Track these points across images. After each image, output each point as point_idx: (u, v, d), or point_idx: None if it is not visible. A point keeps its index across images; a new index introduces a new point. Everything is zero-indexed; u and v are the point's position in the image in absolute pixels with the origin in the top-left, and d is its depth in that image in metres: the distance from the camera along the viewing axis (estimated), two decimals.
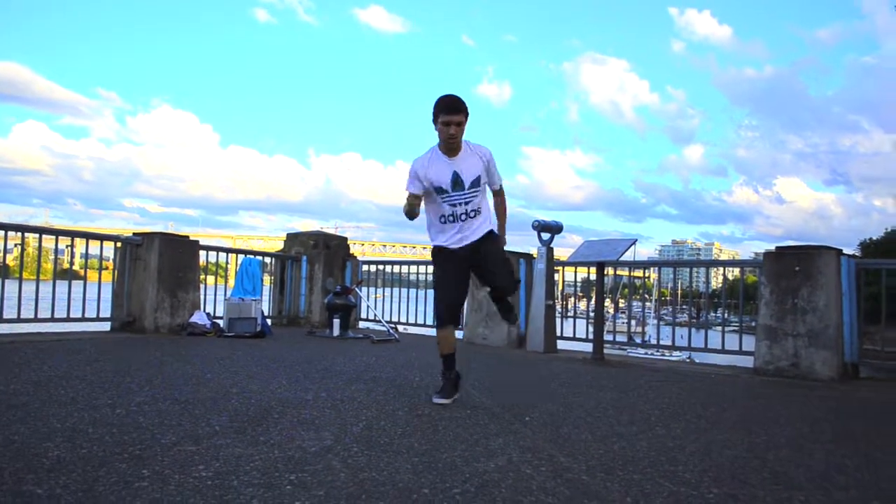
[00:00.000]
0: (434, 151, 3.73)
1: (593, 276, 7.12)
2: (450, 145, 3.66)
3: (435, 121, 3.65)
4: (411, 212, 3.69)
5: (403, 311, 9.35)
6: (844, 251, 5.89)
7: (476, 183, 3.72)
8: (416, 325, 9.10)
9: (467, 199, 3.71)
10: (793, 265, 5.72)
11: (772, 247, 6.09)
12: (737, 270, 7.77)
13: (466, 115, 3.67)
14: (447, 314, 3.88)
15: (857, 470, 2.65)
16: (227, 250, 9.01)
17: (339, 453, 2.53)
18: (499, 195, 4.02)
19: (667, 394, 4.48)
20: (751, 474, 2.50)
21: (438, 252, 3.85)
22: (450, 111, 3.60)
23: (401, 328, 8.77)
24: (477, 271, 3.92)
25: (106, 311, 7.14)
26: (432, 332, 8.78)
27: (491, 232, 3.87)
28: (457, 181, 3.67)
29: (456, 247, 3.77)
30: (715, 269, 9.22)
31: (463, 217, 3.73)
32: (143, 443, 2.53)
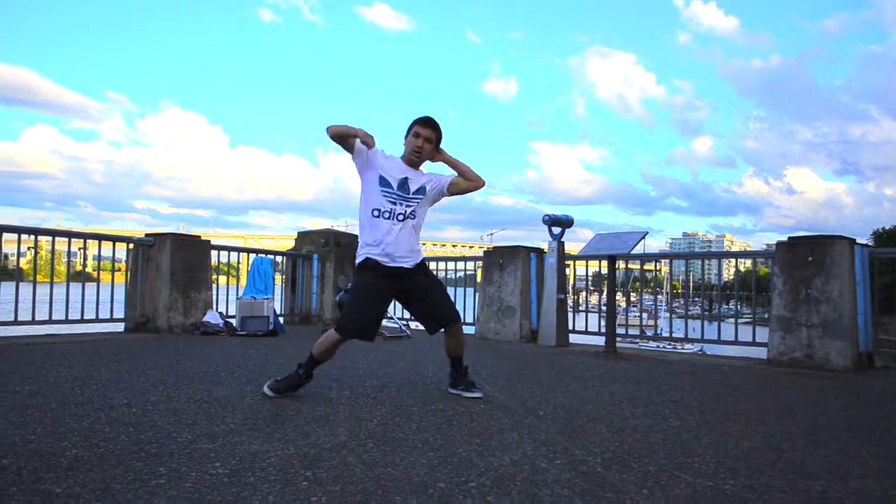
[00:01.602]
0: (395, 157, 3.77)
1: (604, 270, 7.10)
2: (412, 158, 3.71)
3: (408, 133, 3.72)
4: (345, 132, 3.61)
5: None
6: (857, 241, 5.84)
7: (421, 191, 3.69)
8: None
9: (408, 202, 3.65)
10: (806, 255, 5.68)
11: (784, 237, 6.05)
12: (749, 262, 7.72)
13: (438, 137, 3.73)
14: (357, 329, 3.65)
15: (874, 459, 2.64)
16: (239, 250, 9.05)
17: (354, 449, 2.53)
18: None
19: (680, 386, 4.47)
20: (767, 465, 2.49)
21: (366, 267, 3.65)
22: (424, 124, 3.69)
23: (412, 325, 8.77)
24: (416, 306, 3.82)
25: (119, 312, 7.19)
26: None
27: (423, 263, 3.78)
28: (403, 184, 3.66)
29: (386, 263, 3.61)
30: (727, 260, 9.17)
31: (400, 217, 3.62)
32: (160, 441, 2.55)
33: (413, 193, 3.67)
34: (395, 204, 3.62)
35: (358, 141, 3.61)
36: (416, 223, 3.70)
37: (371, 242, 3.63)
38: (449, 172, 3.86)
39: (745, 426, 3.19)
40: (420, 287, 3.75)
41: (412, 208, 3.66)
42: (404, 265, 3.65)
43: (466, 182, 3.81)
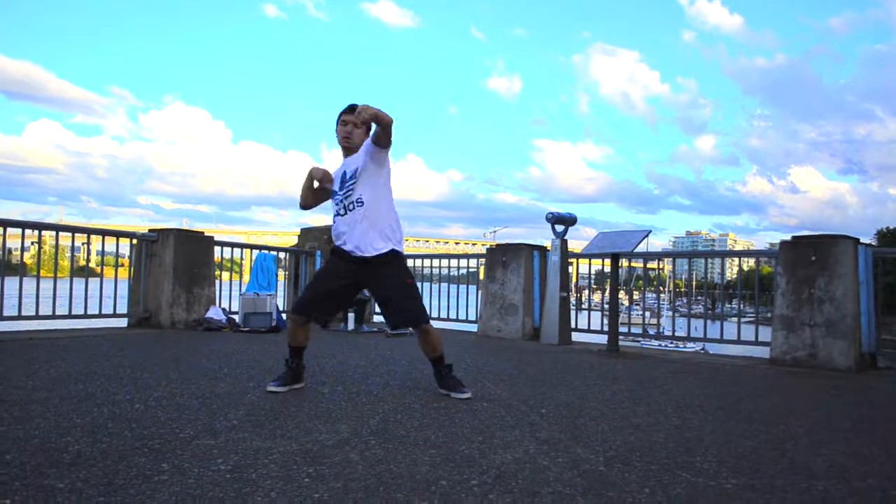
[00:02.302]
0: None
1: (607, 269, 7.10)
2: (344, 146, 3.76)
3: (336, 126, 3.76)
4: (305, 196, 3.86)
5: None
6: (861, 240, 5.83)
7: (354, 175, 3.65)
8: (430, 318, 9.08)
9: (347, 194, 3.64)
10: (809, 255, 5.67)
11: (787, 237, 6.05)
12: (752, 261, 7.71)
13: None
14: (306, 305, 3.74)
15: (877, 459, 2.63)
16: (242, 246, 9.06)
17: (357, 446, 2.54)
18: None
19: (683, 385, 4.47)
20: (769, 464, 2.48)
21: (332, 251, 3.78)
22: (348, 111, 3.69)
23: None
24: (381, 306, 3.84)
25: (122, 308, 7.21)
26: (447, 325, 8.82)
27: (392, 253, 3.66)
28: (343, 178, 3.68)
29: (348, 251, 3.63)
30: (730, 259, 9.16)
31: (343, 211, 3.66)
32: (162, 437, 2.55)
33: (349, 180, 3.66)
34: (342, 199, 3.66)
35: (317, 184, 3.78)
36: (368, 204, 3.61)
37: (335, 238, 3.74)
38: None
39: (748, 425, 3.19)
40: (385, 286, 3.71)
41: (356, 195, 3.61)
42: (365, 255, 3.62)
43: (380, 128, 3.52)
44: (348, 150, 3.74)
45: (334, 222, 3.74)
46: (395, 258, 3.68)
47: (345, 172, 3.68)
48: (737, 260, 7.80)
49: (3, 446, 2.34)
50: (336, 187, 3.70)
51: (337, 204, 3.69)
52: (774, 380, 4.96)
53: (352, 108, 3.65)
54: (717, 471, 2.37)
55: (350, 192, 3.63)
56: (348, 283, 3.75)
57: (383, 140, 3.55)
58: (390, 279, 3.69)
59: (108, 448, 2.37)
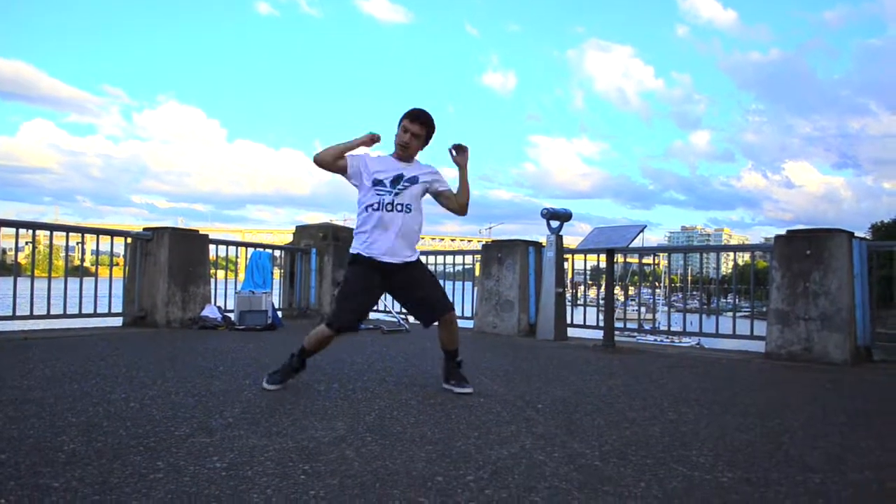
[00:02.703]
0: (387, 155, 3.78)
1: (603, 264, 7.10)
2: (402, 151, 3.69)
3: (398, 126, 3.70)
4: (332, 153, 3.64)
5: None
6: (856, 234, 5.84)
7: (413, 180, 3.65)
8: None
9: (399, 192, 3.61)
10: (804, 249, 5.68)
11: (782, 231, 6.06)
12: (747, 256, 7.72)
13: (428, 133, 3.72)
14: (349, 322, 3.72)
15: (873, 452, 2.64)
16: (237, 244, 9.05)
17: (353, 443, 2.53)
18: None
19: (678, 379, 4.47)
20: (765, 458, 2.49)
21: (356, 261, 3.67)
22: (412, 119, 3.66)
23: (411, 318, 8.77)
24: (407, 297, 3.81)
25: (117, 307, 7.18)
26: None
27: (418, 260, 3.75)
28: (396, 179, 3.63)
29: (380, 258, 3.59)
30: (725, 254, 9.18)
31: (388, 207, 3.58)
32: (158, 435, 2.55)
33: (405, 181, 3.63)
34: (382, 195, 3.59)
35: (350, 161, 3.65)
36: (411, 216, 3.64)
37: (364, 236, 3.63)
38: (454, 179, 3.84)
39: (743, 419, 3.20)
40: (410, 280, 3.72)
41: (403, 196, 3.61)
42: (394, 261, 3.61)
43: (456, 203, 3.78)
44: (401, 157, 3.72)
45: (370, 213, 3.59)
46: (418, 261, 3.77)
47: (402, 174, 3.64)
48: (732, 254, 7.81)
49: None
50: (387, 181, 3.61)
51: (380, 195, 3.58)
52: (770, 374, 4.97)
53: (416, 116, 3.65)
54: (713, 464, 2.37)
55: (401, 194, 3.61)
56: (379, 292, 3.86)
57: (443, 205, 3.82)
58: (423, 276, 3.78)
59: (103, 447, 2.36)
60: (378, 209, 3.58)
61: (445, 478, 2.13)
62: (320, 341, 3.71)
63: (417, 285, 3.73)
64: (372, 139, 3.65)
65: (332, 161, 3.64)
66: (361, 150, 3.71)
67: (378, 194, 3.59)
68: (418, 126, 3.65)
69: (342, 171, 3.66)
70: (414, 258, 3.71)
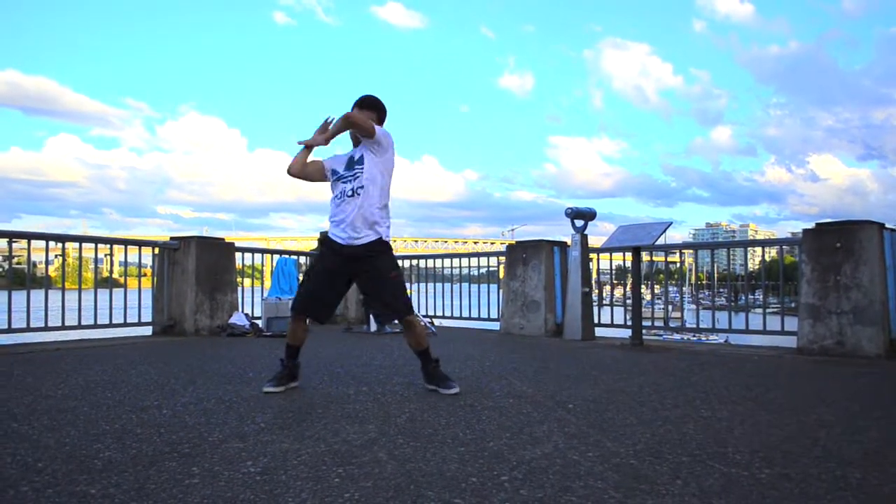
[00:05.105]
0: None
1: (628, 263, 7.05)
2: (354, 140, 3.87)
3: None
4: (298, 160, 3.88)
5: (439, 305, 9.42)
6: (886, 225, 5.74)
7: (361, 159, 3.74)
8: (452, 318, 9.12)
9: (356, 175, 3.72)
10: (834, 241, 5.59)
11: (809, 225, 5.96)
12: (774, 251, 7.62)
13: (378, 115, 3.88)
14: (303, 304, 3.86)
15: None
16: (263, 251, 9.11)
17: (385, 445, 2.53)
18: None
19: (709, 376, 4.42)
20: (802, 453, 2.45)
21: (323, 242, 3.83)
22: (355, 104, 3.86)
23: (437, 322, 8.78)
24: (366, 297, 3.92)
25: (147, 316, 7.27)
26: (469, 324, 8.82)
27: (379, 242, 3.75)
28: (349, 163, 3.78)
29: (341, 241, 3.70)
30: (752, 250, 9.07)
31: (350, 192, 3.69)
32: (191, 441, 2.57)
33: (356, 164, 3.76)
34: (344, 183, 3.74)
35: (324, 166, 3.87)
36: (369, 196, 3.69)
37: (331, 220, 3.78)
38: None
39: (778, 415, 3.15)
40: (372, 278, 3.79)
41: (357, 181, 3.70)
42: (354, 243, 3.68)
43: (355, 129, 3.81)
44: (358, 141, 3.84)
45: (334, 204, 3.78)
46: (382, 249, 3.77)
47: (352, 156, 3.80)
48: (759, 250, 7.71)
49: (35, 454, 2.36)
50: (341, 168, 3.80)
51: (344, 183, 3.74)
52: (802, 369, 4.90)
53: (359, 102, 3.87)
54: (750, 461, 2.34)
55: (359, 177, 3.72)
56: (342, 278, 3.86)
57: (360, 133, 3.75)
58: (377, 271, 3.77)
59: (138, 454, 2.38)
60: (340, 196, 3.74)
61: (479, 478, 2.12)
62: (293, 330, 3.91)
63: (372, 277, 3.80)
64: (318, 136, 3.82)
65: (301, 170, 3.90)
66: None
67: (342, 183, 3.76)
68: (356, 111, 3.82)
69: (317, 174, 3.92)
70: (373, 238, 3.72)
